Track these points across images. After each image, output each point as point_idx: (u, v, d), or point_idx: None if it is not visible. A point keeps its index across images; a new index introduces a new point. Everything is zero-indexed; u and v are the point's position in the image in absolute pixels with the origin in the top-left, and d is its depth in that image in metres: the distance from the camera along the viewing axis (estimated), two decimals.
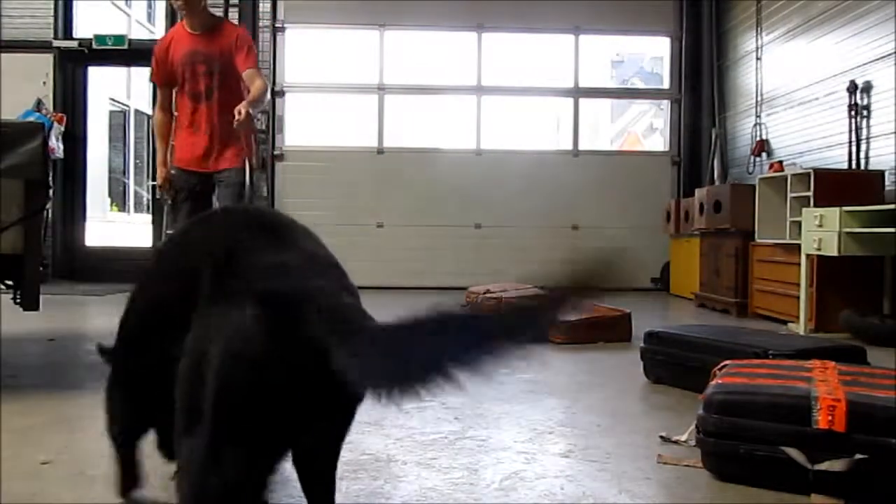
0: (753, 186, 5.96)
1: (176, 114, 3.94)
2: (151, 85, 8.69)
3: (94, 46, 7.93)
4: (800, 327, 4.84)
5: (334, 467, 1.34)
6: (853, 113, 5.54)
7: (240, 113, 3.47)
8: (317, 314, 1.03)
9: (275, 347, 1.03)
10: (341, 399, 1.11)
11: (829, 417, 1.80)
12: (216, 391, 1.03)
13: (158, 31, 10.13)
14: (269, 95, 4.11)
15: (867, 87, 5.49)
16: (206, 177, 3.80)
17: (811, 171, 5.14)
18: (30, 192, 3.04)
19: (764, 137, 7.08)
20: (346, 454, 1.98)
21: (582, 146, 8.90)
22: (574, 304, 1.01)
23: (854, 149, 5.56)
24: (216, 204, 3.89)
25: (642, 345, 3.28)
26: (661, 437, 2.26)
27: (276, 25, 8.26)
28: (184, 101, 3.82)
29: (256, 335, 1.03)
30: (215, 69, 3.75)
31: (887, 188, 5.06)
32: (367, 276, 7.95)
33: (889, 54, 5.22)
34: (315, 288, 1.10)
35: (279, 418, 1.04)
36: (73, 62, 8.10)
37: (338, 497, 1.79)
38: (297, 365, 1.02)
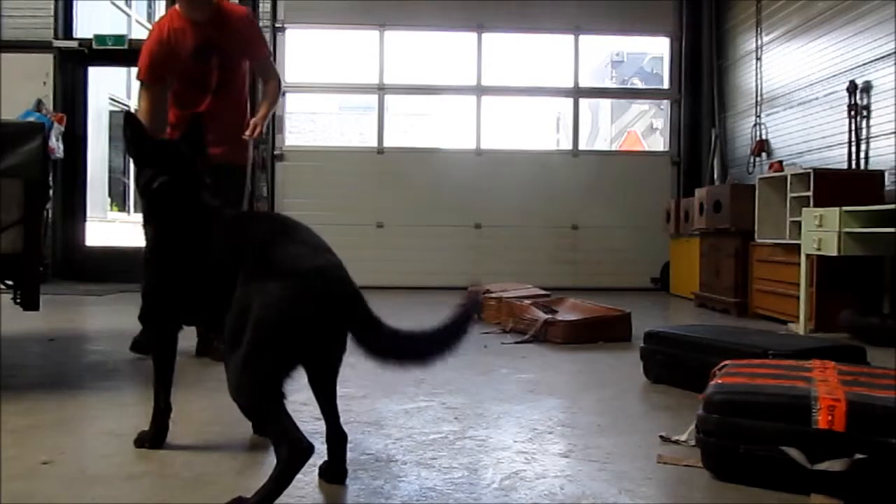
0: (753, 186, 5.96)
1: (173, 108, 3.51)
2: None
3: (94, 46, 7.93)
4: (800, 327, 4.84)
5: (335, 382, 1.91)
6: (853, 113, 5.54)
7: (255, 127, 3.30)
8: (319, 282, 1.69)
9: (289, 306, 1.65)
10: (331, 335, 1.74)
11: (829, 417, 1.80)
12: (252, 329, 1.65)
13: None
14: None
15: (867, 87, 5.49)
16: (224, 168, 3.29)
17: (811, 171, 5.14)
18: (30, 192, 3.04)
19: (764, 137, 7.09)
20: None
21: (582, 146, 8.90)
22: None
23: (854, 149, 5.56)
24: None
25: (642, 345, 3.27)
26: (661, 437, 2.26)
27: (276, 25, 8.25)
28: (188, 95, 3.43)
29: (279, 299, 1.65)
30: (228, 61, 3.42)
31: (887, 188, 5.06)
32: (367, 276, 7.89)
33: (889, 54, 5.23)
34: (316, 265, 1.74)
35: (290, 346, 1.67)
36: (73, 62, 8.09)
37: (338, 497, 1.79)
38: (301, 316, 1.65)
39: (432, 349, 1.73)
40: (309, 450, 1.64)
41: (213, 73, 3.41)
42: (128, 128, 2.21)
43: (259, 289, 1.68)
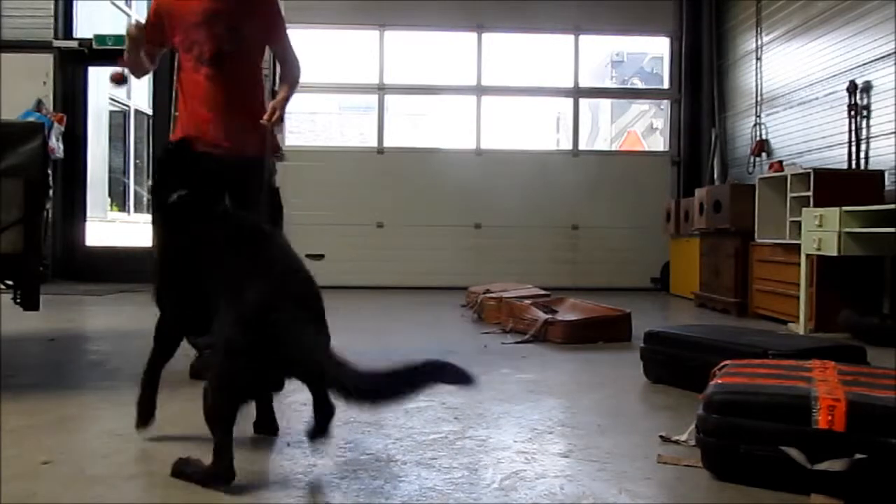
0: (753, 186, 5.96)
1: (176, 85, 3.27)
2: (151, 83, 8.74)
3: (94, 46, 7.93)
4: (800, 327, 4.84)
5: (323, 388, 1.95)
6: (853, 113, 5.54)
7: (274, 111, 2.99)
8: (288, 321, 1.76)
9: (255, 337, 1.75)
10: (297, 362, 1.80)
11: (829, 417, 1.80)
12: (220, 354, 1.82)
13: None
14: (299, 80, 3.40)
15: (867, 87, 5.49)
16: (220, 161, 3.00)
17: (811, 171, 5.14)
18: (30, 192, 3.04)
19: (764, 137, 7.09)
20: (346, 454, 1.99)
21: (582, 146, 8.91)
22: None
23: (854, 149, 5.56)
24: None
25: (642, 345, 3.27)
26: (661, 437, 2.26)
27: None
28: (189, 66, 3.12)
29: (241, 330, 1.77)
30: (236, 32, 3.09)
31: (887, 188, 5.06)
32: (367, 276, 7.99)
33: (889, 54, 5.23)
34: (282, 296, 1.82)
35: (249, 375, 1.81)
36: (73, 62, 8.10)
37: (338, 497, 1.79)
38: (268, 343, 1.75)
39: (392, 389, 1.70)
40: (227, 481, 1.78)
41: (212, 41, 3.06)
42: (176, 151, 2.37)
43: (228, 313, 1.82)
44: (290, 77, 3.32)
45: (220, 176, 2.94)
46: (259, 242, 2.06)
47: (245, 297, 1.81)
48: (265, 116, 3.02)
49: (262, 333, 1.74)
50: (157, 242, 2.25)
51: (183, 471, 1.84)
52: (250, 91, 3.22)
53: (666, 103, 9.11)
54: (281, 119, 3.11)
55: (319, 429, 2.00)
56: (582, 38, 8.57)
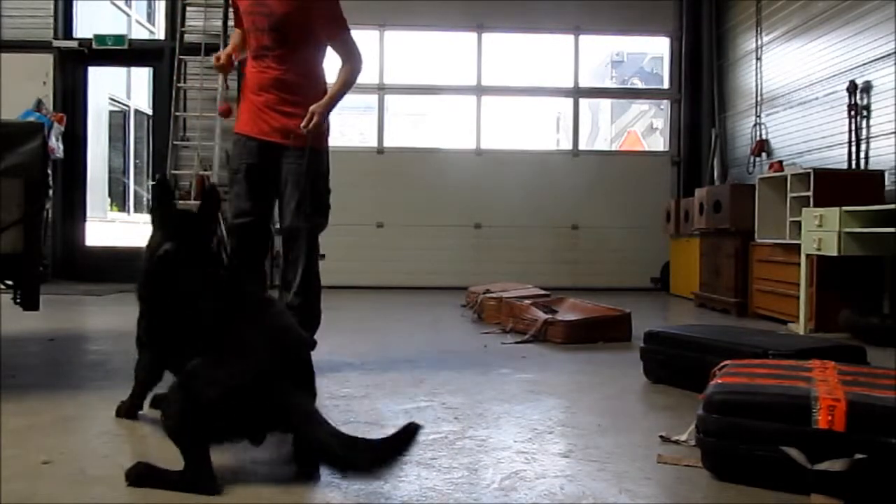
0: (753, 186, 5.96)
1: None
2: (151, 83, 8.74)
3: (94, 46, 7.93)
4: (800, 327, 4.84)
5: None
6: (853, 113, 5.54)
7: (311, 116, 3.13)
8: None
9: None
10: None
11: (829, 417, 1.80)
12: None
13: (159, 31, 10.13)
14: (356, 78, 3.41)
15: (867, 87, 5.49)
16: (263, 147, 3.24)
17: (811, 171, 5.14)
18: (30, 192, 3.04)
19: (764, 137, 7.09)
20: None
21: (582, 146, 8.91)
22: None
23: (854, 149, 5.56)
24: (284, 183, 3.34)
25: (642, 345, 3.27)
26: (661, 437, 2.26)
27: None
28: (248, 59, 3.27)
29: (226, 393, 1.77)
30: (276, 28, 3.12)
31: (887, 188, 5.06)
32: (367, 276, 7.99)
33: (889, 54, 5.23)
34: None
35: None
36: (73, 62, 8.10)
37: (338, 497, 1.79)
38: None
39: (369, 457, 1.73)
40: (211, 491, 1.73)
41: (256, 35, 3.16)
42: (158, 188, 2.39)
43: (215, 363, 1.81)
44: (340, 76, 3.35)
45: (260, 160, 3.27)
46: (253, 303, 2.05)
47: (237, 355, 1.81)
48: (303, 122, 3.16)
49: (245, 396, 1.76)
50: (143, 288, 2.30)
51: (142, 474, 1.80)
52: (295, 87, 3.27)
53: (666, 103, 9.11)
54: (319, 126, 3.21)
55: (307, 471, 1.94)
56: (582, 38, 8.57)
